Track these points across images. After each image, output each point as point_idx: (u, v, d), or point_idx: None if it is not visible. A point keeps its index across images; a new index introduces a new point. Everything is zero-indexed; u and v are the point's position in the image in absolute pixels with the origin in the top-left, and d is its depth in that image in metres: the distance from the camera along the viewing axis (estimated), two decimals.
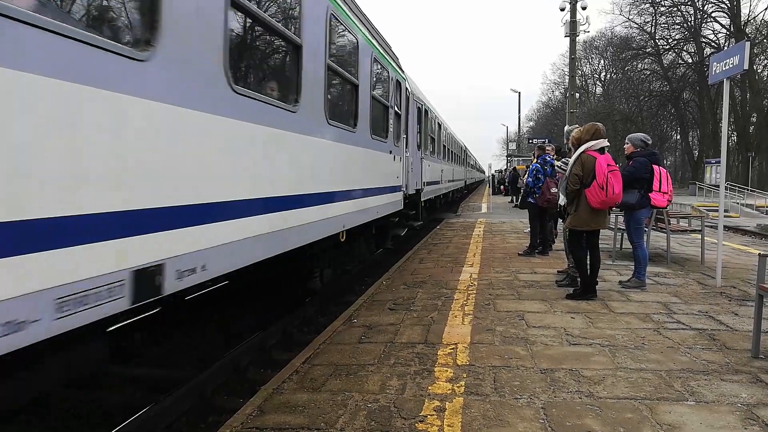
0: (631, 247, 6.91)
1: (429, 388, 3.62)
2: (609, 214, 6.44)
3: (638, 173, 6.55)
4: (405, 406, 3.34)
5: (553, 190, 8.59)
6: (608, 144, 6.01)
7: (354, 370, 4.01)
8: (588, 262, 6.12)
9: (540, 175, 9.02)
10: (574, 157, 5.98)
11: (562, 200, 6.21)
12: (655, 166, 6.74)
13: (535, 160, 9.48)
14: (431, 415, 3.21)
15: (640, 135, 7.05)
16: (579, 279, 6.24)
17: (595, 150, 5.85)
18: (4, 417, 2.47)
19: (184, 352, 5.18)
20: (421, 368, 3.99)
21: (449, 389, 3.59)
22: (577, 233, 6.09)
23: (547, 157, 9.27)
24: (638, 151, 6.76)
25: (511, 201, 26.00)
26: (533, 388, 3.58)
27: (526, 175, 9.65)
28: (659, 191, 6.70)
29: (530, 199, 9.29)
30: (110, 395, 4.24)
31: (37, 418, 3.60)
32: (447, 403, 3.38)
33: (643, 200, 6.59)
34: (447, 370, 3.93)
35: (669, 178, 6.94)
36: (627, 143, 6.95)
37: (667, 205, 7.29)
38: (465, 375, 3.83)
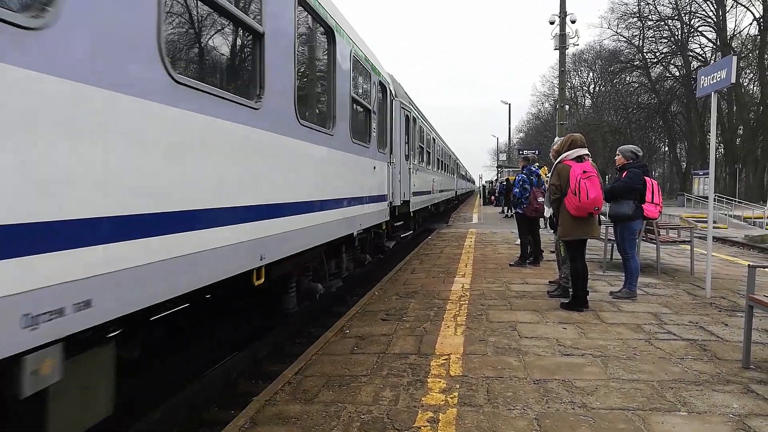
0: (621, 258, 6.96)
1: (422, 399, 3.61)
2: (600, 224, 6.48)
3: (633, 184, 6.58)
4: (398, 418, 3.33)
5: (540, 199, 8.66)
6: (587, 152, 6.08)
7: (347, 381, 3.99)
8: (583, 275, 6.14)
9: (526, 185, 9.10)
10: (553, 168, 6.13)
11: (548, 212, 6.25)
12: (646, 178, 6.79)
13: (521, 171, 9.56)
14: (425, 427, 3.19)
15: (631, 147, 7.09)
16: (570, 290, 6.27)
17: (571, 159, 5.95)
18: None
19: (174, 363, 5.12)
20: (414, 379, 3.98)
21: (442, 400, 3.58)
22: (571, 244, 6.12)
23: (532, 168, 9.35)
24: (630, 162, 6.81)
25: (503, 212, 26.05)
26: (526, 399, 3.58)
27: (513, 186, 9.72)
28: (652, 202, 6.74)
29: (518, 210, 9.35)
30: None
31: None
32: (440, 414, 3.37)
33: (637, 211, 6.62)
34: (440, 381, 3.92)
35: (659, 189, 7.00)
36: (618, 155, 7.00)
37: (658, 216, 7.35)
38: (458, 386, 3.83)
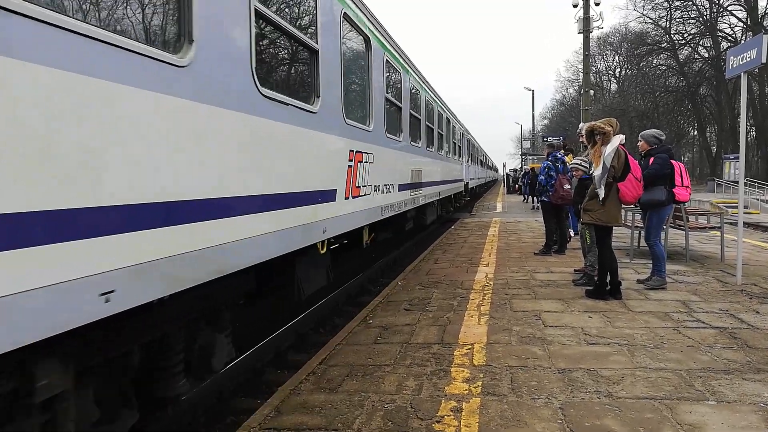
0: (647, 245, 6.81)
1: (445, 388, 3.62)
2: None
3: (662, 170, 6.40)
4: (422, 407, 3.34)
5: (566, 186, 8.52)
6: None
7: (370, 370, 4.01)
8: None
9: (552, 173, 8.97)
10: (610, 149, 5.70)
11: (601, 192, 5.89)
12: (673, 161, 6.63)
13: (546, 158, 9.43)
14: (448, 416, 3.20)
15: (653, 131, 6.88)
16: (597, 277, 6.18)
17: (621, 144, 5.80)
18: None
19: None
20: (438, 368, 3.99)
21: (466, 389, 3.58)
22: (604, 230, 5.98)
23: (557, 154, 9.21)
24: (655, 147, 6.64)
25: (525, 201, 25.78)
26: (551, 389, 3.56)
27: (539, 174, 9.59)
28: (682, 186, 6.59)
29: (544, 198, 9.24)
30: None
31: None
32: (464, 403, 3.37)
33: (669, 196, 6.47)
34: (463, 371, 3.92)
35: (687, 171, 6.83)
36: (640, 141, 6.80)
37: (689, 198, 7.19)
38: (482, 375, 3.82)
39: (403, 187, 8.28)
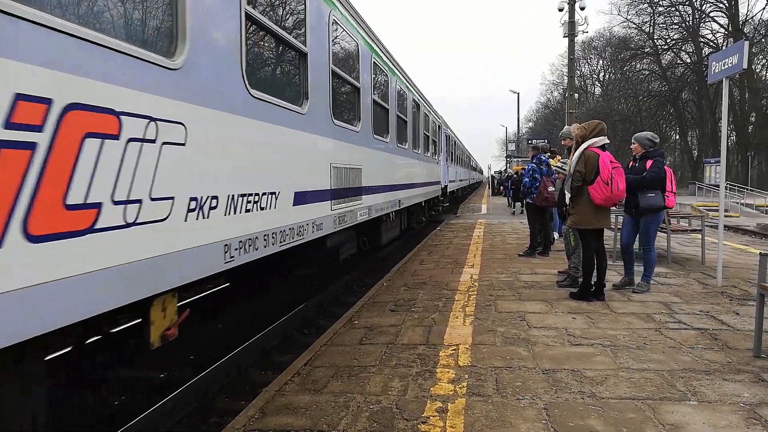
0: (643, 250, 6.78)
1: (431, 389, 3.62)
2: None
3: (661, 173, 6.34)
4: (407, 408, 3.34)
5: (551, 188, 8.59)
6: (608, 141, 5.99)
7: (356, 371, 4.01)
8: (595, 264, 6.07)
9: (537, 175, 9.03)
10: (577, 153, 5.87)
11: (567, 198, 6.02)
12: (665, 167, 6.62)
13: (531, 161, 9.50)
14: (434, 416, 3.20)
15: (647, 134, 6.72)
16: (580, 279, 6.23)
17: (597, 147, 5.83)
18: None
19: (185, 353, 5.17)
20: (423, 369, 3.99)
21: (451, 390, 3.59)
22: (585, 232, 6.04)
23: (542, 157, 9.27)
24: (651, 150, 6.51)
25: (510, 205, 25.83)
26: (535, 389, 3.58)
27: (523, 176, 9.65)
28: (671, 191, 6.61)
29: (528, 199, 9.31)
30: (111, 397, 4.23)
31: (36, 420, 3.57)
32: (449, 404, 3.37)
33: (664, 201, 6.45)
34: (449, 371, 3.93)
35: (674, 178, 6.87)
36: (634, 143, 6.69)
37: (674, 205, 7.24)
38: (467, 376, 3.83)
39: (310, 198, 5.02)
